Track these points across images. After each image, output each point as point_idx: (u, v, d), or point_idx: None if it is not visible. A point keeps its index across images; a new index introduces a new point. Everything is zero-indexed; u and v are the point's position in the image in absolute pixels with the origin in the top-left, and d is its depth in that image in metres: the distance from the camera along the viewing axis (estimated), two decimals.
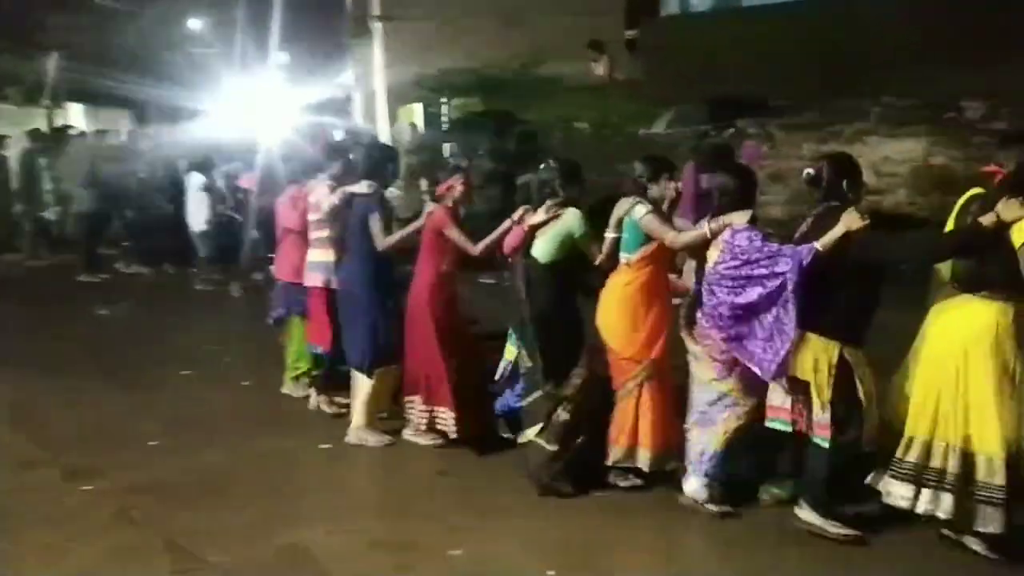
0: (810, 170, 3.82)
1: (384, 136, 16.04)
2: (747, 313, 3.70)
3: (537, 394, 4.33)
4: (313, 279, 5.40)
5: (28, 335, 7.74)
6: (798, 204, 8.63)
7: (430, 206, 4.90)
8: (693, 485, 3.97)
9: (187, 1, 23.98)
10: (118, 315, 8.60)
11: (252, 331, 7.64)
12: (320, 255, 5.37)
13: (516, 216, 4.60)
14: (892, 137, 8.72)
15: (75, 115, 19.29)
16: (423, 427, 4.84)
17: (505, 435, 4.76)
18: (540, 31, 15.83)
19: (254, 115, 12.70)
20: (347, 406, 5.19)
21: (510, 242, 4.59)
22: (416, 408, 4.85)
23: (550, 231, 4.31)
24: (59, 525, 4.10)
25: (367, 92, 22.67)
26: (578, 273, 4.41)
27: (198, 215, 9.42)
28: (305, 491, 4.50)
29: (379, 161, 5.16)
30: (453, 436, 4.73)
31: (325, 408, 5.46)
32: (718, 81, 9.92)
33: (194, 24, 25.41)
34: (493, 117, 10.55)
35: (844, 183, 3.73)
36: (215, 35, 23.06)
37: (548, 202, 4.38)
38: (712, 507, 3.93)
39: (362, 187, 4.97)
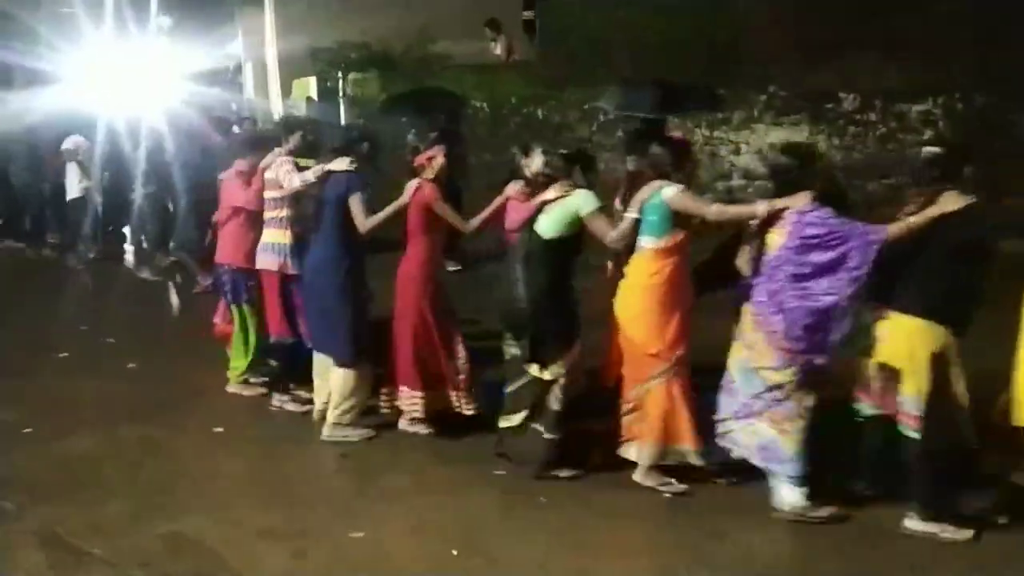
0: (936, 149, 3.70)
1: (277, 109, 15.48)
2: (812, 298, 3.54)
3: (524, 379, 4.16)
4: (266, 262, 4.96)
5: None
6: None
7: (413, 181, 4.59)
8: (789, 497, 3.70)
9: None
10: None
11: (141, 311, 7.33)
12: (275, 236, 4.94)
13: (511, 192, 4.41)
14: (777, 126, 9.12)
15: None
16: (418, 415, 4.62)
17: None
18: (435, 8, 15.61)
19: (133, 82, 11.94)
20: (311, 401, 4.93)
21: (516, 217, 4.33)
22: (409, 396, 4.59)
23: (557, 208, 4.09)
24: None
25: (258, 63, 21.81)
26: (576, 254, 4.22)
27: (72, 182, 8.85)
28: (192, 478, 4.33)
29: (356, 138, 4.81)
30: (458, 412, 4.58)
31: (291, 407, 5.07)
32: (610, 66, 10.10)
33: None
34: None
35: (966, 169, 3.63)
36: None
37: (559, 183, 4.13)
38: (816, 514, 3.69)
39: (341, 164, 4.59)
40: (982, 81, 8.03)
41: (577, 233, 4.14)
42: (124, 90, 10.96)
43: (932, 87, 8.32)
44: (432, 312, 4.53)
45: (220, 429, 4.84)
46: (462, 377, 4.58)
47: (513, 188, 4.43)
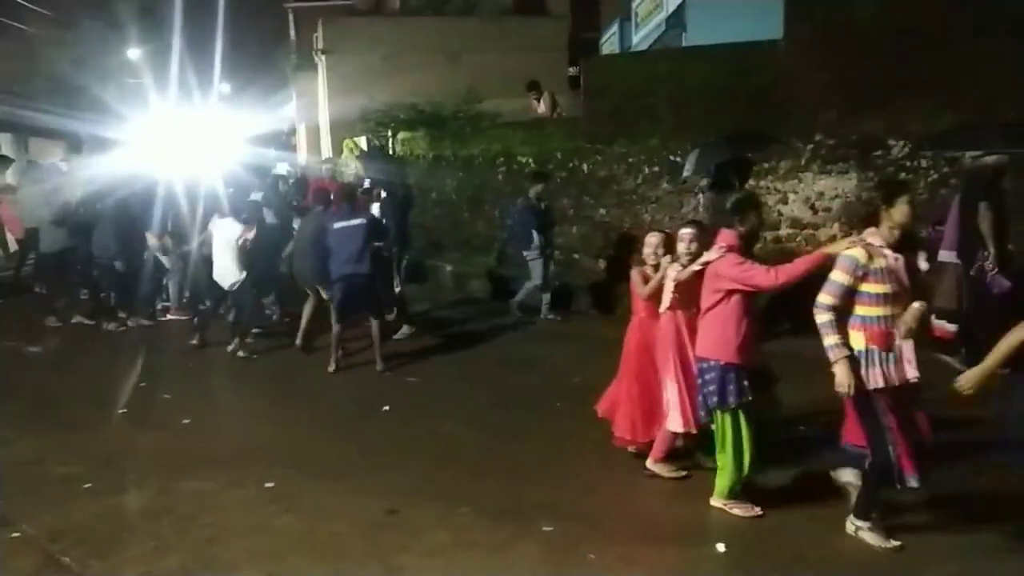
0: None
1: (328, 168, 15.94)
2: None
3: None
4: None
5: None
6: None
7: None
8: None
9: (124, 30, 23.67)
10: (51, 353, 8.25)
11: (196, 369, 7.54)
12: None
13: None
14: (825, 174, 9.05)
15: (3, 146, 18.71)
16: None
17: None
18: (482, 67, 16.07)
19: (196, 146, 12.47)
20: None
21: None
22: None
23: None
24: None
25: (311, 124, 22.62)
26: None
27: (231, 268, 7.91)
28: (244, 533, 4.36)
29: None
30: None
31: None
32: (653, 117, 10.20)
33: (133, 53, 25.06)
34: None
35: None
36: (154, 65, 22.76)
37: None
38: None
39: None
40: None
41: None
42: (191, 154, 11.38)
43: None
44: None
45: (271, 484, 4.90)
46: None
47: None
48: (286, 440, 5.71)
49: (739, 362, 4.23)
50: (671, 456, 4.85)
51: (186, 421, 6.07)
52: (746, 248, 4.32)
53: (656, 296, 4.85)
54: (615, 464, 5.05)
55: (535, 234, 8.86)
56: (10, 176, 11.41)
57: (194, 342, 8.17)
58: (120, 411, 6.32)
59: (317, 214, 7.85)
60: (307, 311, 7.93)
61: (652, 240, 5.03)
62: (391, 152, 14.30)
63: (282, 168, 14.63)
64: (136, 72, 24.49)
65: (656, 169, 10.12)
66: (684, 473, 4.80)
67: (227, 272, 7.88)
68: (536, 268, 8.94)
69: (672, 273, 4.69)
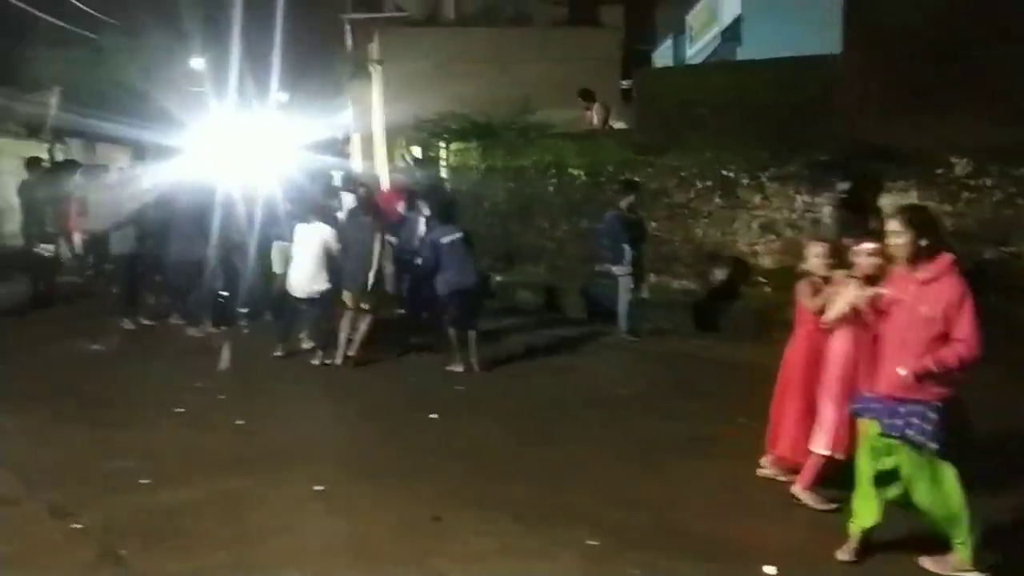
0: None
1: (384, 176, 16.20)
2: None
3: None
4: None
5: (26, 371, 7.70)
6: (789, 256, 8.73)
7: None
8: None
9: (188, 39, 24.40)
10: (113, 352, 8.47)
11: (251, 370, 7.70)
12: None
13: None
14: (885, 192, 8.81)
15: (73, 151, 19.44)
16: None
17: None
18: (535, 77, 16.14)
19: (255, 153, 12.77)
20: None
21: None
22: None
23: None
24: (45, 567, 4.07)
25: (365, 133, 22.98)
26: None
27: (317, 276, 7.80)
28: (291, 533, 4.43)
29: None
30: None
31: None
32: (702, 130, 10.11)
33: (196, 63, 25.82)
34: None
35: None
36: (214, 73, 23.41)
37: None
38: None
39: None
40: None
41: None
42: (249, 161, 11.64)
43: None
44: None
45: (320, 487, 4.97)
46: None
47: None
48: (335, 443, 5.83)
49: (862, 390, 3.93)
50: (822, 483, 4.49)
51: (239, 422, 6.21)
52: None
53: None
54: (664, 478, 5.03)
55: (627, 248, 8.55)
56: (78, 179, 11.84)
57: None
58: (177, 410, 6.49)
59: (370, 224, 7.92)
60: (363, 328, 7.79)
61: (819, 249, 4.80)
62: (443, 161, 14.45)
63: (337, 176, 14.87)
64: (198, 81, 25.22)
65: (709, 183, 10.02)
66: (835, 506, 4.39)
67: (308, 280, 7.74)
68: (625, 285, 8.62)
69: (850, 295, 4.25)
